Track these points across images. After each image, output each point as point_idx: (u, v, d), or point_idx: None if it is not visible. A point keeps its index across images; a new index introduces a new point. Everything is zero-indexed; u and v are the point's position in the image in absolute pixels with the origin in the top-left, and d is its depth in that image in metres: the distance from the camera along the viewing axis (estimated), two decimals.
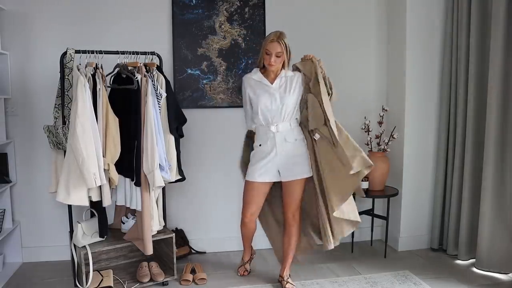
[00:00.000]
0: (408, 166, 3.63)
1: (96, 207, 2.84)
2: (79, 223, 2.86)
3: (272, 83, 2.86)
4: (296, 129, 2.89)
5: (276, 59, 2.78)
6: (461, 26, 3.32)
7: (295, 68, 2.93)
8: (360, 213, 3.68)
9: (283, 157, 2.86)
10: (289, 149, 2.86)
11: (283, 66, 2.86)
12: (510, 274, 3.12)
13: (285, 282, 2.99)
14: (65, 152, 2.77)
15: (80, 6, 3.30)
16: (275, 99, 2.82)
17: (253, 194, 2.92)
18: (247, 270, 3.23)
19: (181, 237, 3.55)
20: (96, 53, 2.89)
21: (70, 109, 2.81)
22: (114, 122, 2.78)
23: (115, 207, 3.21)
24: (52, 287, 3.03)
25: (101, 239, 2.92)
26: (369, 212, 3.74)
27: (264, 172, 2.87)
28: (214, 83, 3.53)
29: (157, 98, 2.86)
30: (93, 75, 2.75)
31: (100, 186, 2.71)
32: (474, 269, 3.25)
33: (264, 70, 2.90)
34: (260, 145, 2.90)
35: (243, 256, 3.28)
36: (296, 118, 2.90)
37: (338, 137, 2.77)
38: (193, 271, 3.19)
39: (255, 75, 2.91)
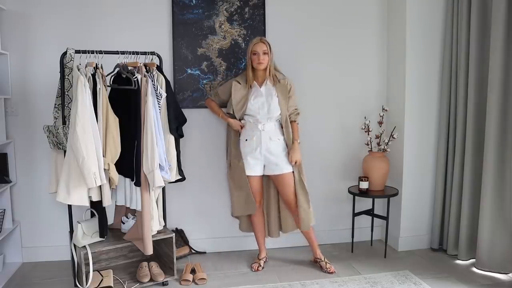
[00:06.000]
0: (408, 166, 3.63)
1: (96, 207, 2.84)
2: (79, 223, 2.86)
3: (260, 86, 3.14)
4: (280, 129, 3.16)
5: (264, 57, 3.05)
6: (461, 26, 3.32)
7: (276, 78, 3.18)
8: (360, 213, 3.72)
9: (267, 153, 3.13)
10: (273, 146, 3.12)
11: (269, 72, 3.12)
12: (510, 274, 3.12)
13: (325, 263, 3.28)
14: (65, 152, 2.77)
15: (80, 6, 3.30)
16: (263, 100, 3.09)
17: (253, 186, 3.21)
18: (261, 266, 3.31)
19: (181, 237, 3.55)
20: (96, 53, 2.90)
21: (70, 109, 2.81)
22: (114, 122, 2.78)
23: (115, 207, 3.21)
24: (52, 287, 3.03)
25: (101, 239, 2.92)
26: (369, 212, 3.74)
27: (253, 167, 3.16)
28: (214, 83, 3.53)
29: (157, 98, 2.86)
30: (93, 75, 2.75)
31: (100, 186, 2.71)
32: (474, 269, 3.25)
33: (252, 74, 3.14)
34: (246, 140, 3.15)
35: (258, 254, 3.40)
36: (278, 120, 3.17)
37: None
38: (193, 271, 3.19)
39: (243, 78, 3.17)
